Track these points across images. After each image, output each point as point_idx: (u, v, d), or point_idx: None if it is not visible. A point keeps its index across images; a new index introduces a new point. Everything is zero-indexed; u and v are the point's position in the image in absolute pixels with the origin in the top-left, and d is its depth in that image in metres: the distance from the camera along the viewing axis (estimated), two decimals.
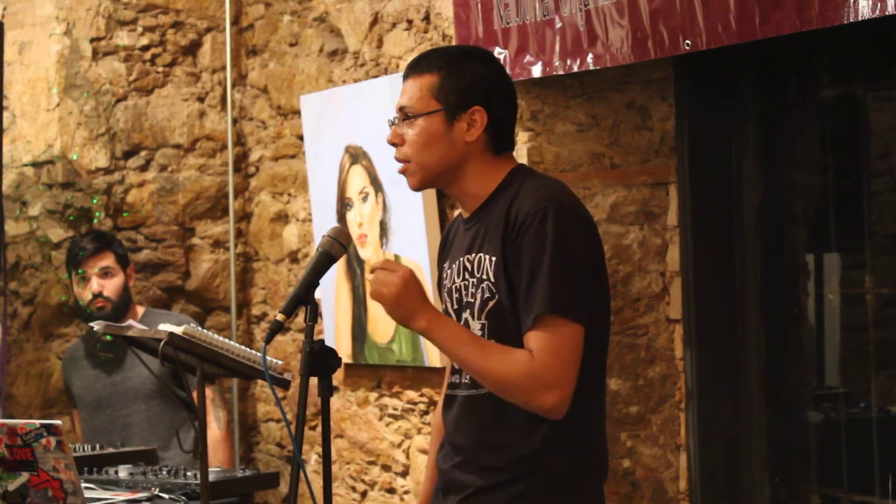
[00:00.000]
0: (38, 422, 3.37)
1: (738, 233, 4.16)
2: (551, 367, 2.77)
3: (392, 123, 2.97)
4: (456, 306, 2.95)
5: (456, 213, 3.17)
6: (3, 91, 5.42)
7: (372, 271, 2.86)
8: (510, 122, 2.98)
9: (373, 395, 5.09)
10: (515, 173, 2.94)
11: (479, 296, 2.88)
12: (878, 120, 4.19)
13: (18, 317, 5.71)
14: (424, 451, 4.76)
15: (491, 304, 2.86)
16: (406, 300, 2.81)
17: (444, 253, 3.08)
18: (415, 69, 2.96)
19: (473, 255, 2.91)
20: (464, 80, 2.92)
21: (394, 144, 2.95)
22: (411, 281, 2.81)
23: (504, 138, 2.97)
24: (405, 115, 2.93)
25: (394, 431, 4.97)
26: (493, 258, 2.86)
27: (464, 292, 2.93)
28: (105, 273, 5.01)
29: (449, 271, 3.00)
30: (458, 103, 2.91)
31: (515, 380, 2.78)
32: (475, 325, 2.88)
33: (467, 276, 2.92)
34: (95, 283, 4.98)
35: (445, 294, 3.00)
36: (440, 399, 3.15)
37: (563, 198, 2.87)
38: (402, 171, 2.96)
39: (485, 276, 2.87)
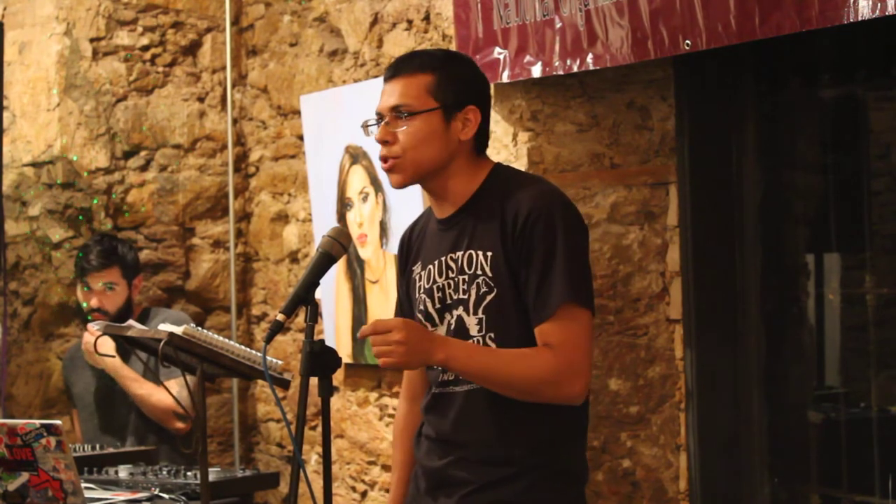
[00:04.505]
0: (38, 422, 3.37)
1: (738, 233, 4.15)
2: (575, 358, 2.85)
3: (376, 123, 3.00)
4: (438, 305, 3.00)
5: (414, 219, 3.21)
6: (3, 91, 5.42)
7: (362, 337, 2.84)
8: (489, 124, 3.07)
9: (373, 395, 5.09)
10: (496, 172, 3.04)
11: (473, 291, 2.93)
12: (878, 120, 4.18)
13: (18, 317, 5.71)
14: None
15: (489, 297, 2.92)
16: (414, 349, 2.80)
17: (410, 256, 3.13)
18: (404, 69, 3.00)
19: (461, 252, 2.96)
20: (459, 81, 3.00)
21: (384, 142, 2.97)
22: (407, 329, 2.80)
23: (486, 138, 3.06)
24: (400, 112, 2.96)
25: None
26: (490, 253, 2.92)
27: (449, 290, 2.97)
28: (108, 288, 5.01)
29: (423, 273, 3.05)
30: (454, 103, 2.98)
31: (545, 377, 2.84)
32: (472, 321, 2.93)
33: (452, 274, 2.97)
34: (95, 301, 4.99)
35: (423, 294, 3.03)
36: (403, 403, 3.20)
37: (561, 195, 2.99)
38: (389, 168, 2.99)
39: (479, 272, 2.93)
